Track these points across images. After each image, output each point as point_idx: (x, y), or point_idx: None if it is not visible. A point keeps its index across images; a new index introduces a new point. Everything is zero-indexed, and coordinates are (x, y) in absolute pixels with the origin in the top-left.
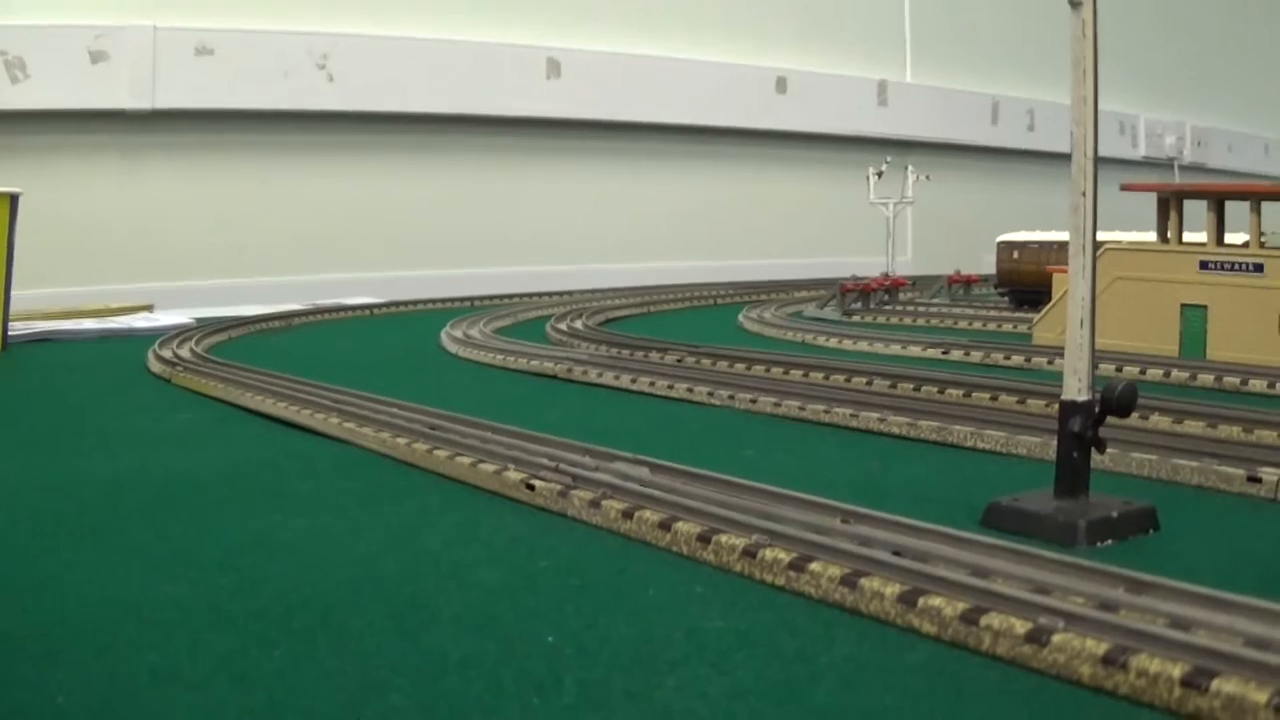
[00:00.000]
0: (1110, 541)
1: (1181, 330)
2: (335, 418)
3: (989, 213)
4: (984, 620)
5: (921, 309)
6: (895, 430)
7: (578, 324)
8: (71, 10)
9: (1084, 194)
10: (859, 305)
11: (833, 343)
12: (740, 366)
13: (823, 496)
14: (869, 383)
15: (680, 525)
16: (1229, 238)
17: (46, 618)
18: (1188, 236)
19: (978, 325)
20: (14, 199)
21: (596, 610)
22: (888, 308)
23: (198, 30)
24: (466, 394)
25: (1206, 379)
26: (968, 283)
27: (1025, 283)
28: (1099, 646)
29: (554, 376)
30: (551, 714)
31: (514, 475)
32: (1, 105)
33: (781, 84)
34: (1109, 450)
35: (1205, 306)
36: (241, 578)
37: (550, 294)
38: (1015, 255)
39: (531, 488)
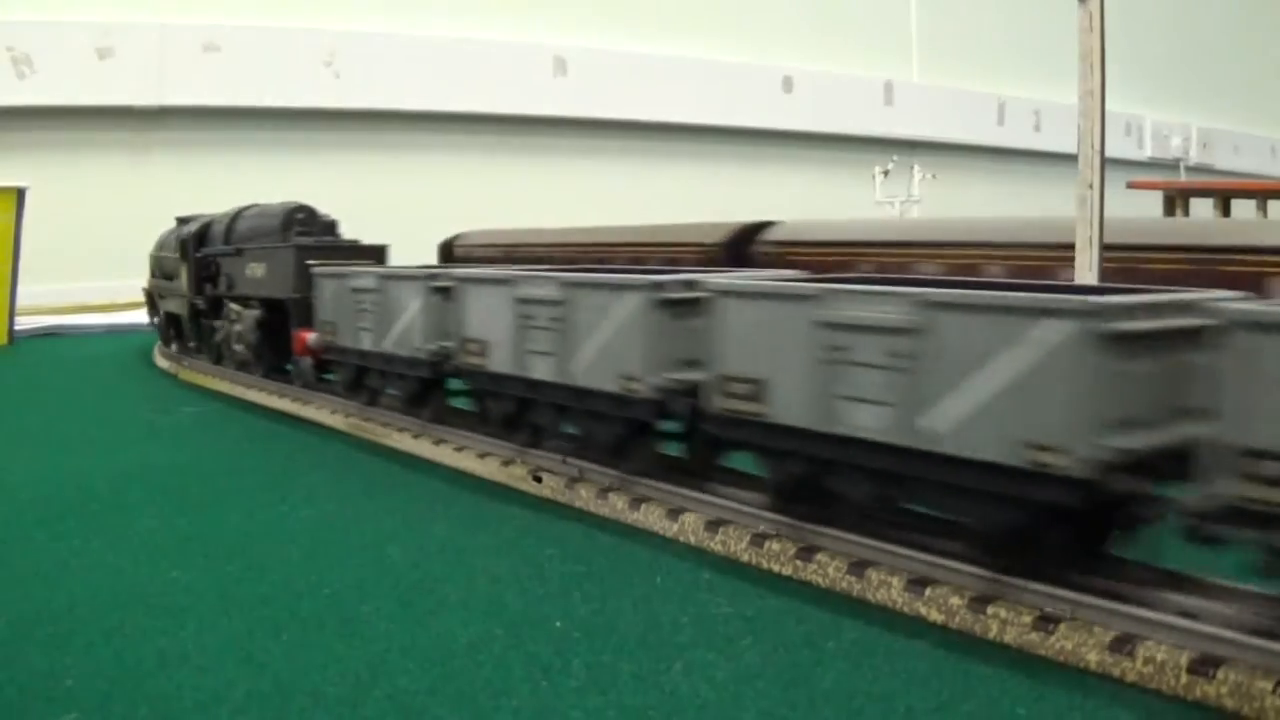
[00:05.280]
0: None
1: None
2: (340, 411)
3: (994, 213)
4: (991, 608)
5: None
6: None
7: None
8: (79, 6)
9: (1091, 186)
10: None
11: None
12: None
13: None
14: None
15: (688, 515)
16: None
17: (55, 603)
18: None
19: None
20: (21, 194)
21: (604, 596)
22: None
23: (205, 27)
24: None
25: None
26: None
27: None
28: (1106, 633)
29: None
30: (559, 695)
31: (520, 468)
32: (8, 101)
33: (788, 83)
34: None
35: None
36: (249, 564)
37: None
38: None
39: (539, 480)
